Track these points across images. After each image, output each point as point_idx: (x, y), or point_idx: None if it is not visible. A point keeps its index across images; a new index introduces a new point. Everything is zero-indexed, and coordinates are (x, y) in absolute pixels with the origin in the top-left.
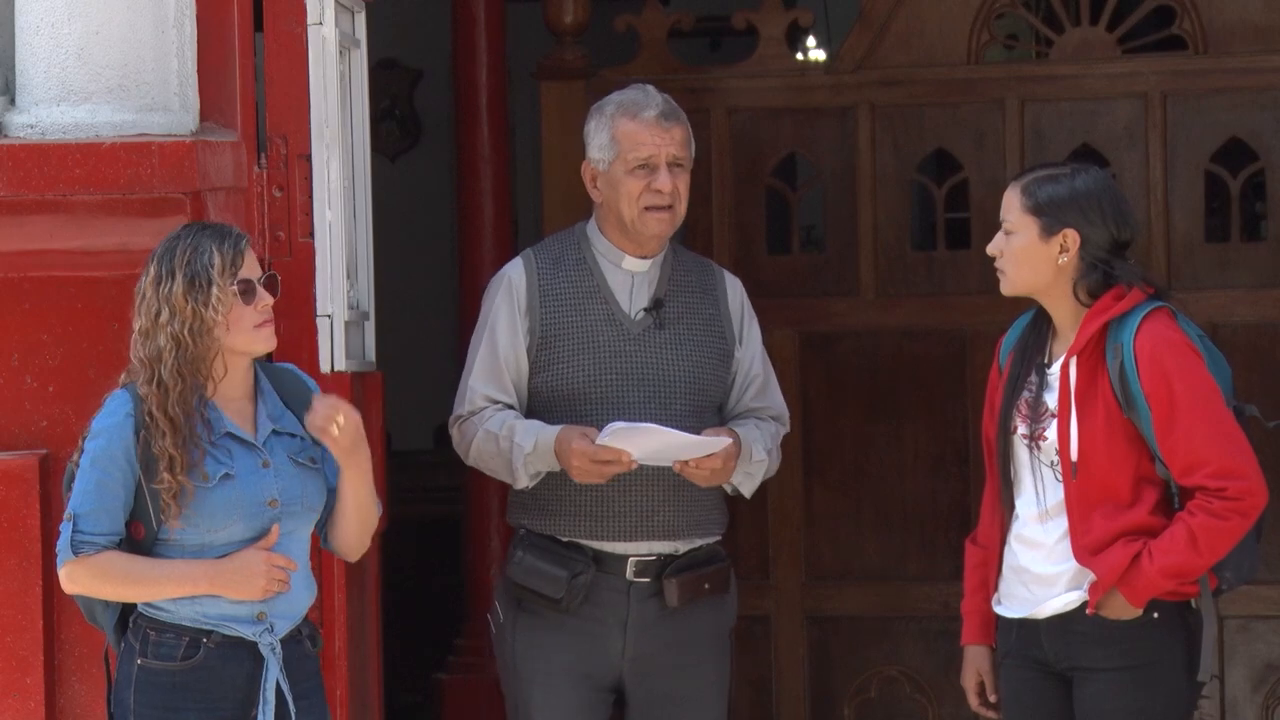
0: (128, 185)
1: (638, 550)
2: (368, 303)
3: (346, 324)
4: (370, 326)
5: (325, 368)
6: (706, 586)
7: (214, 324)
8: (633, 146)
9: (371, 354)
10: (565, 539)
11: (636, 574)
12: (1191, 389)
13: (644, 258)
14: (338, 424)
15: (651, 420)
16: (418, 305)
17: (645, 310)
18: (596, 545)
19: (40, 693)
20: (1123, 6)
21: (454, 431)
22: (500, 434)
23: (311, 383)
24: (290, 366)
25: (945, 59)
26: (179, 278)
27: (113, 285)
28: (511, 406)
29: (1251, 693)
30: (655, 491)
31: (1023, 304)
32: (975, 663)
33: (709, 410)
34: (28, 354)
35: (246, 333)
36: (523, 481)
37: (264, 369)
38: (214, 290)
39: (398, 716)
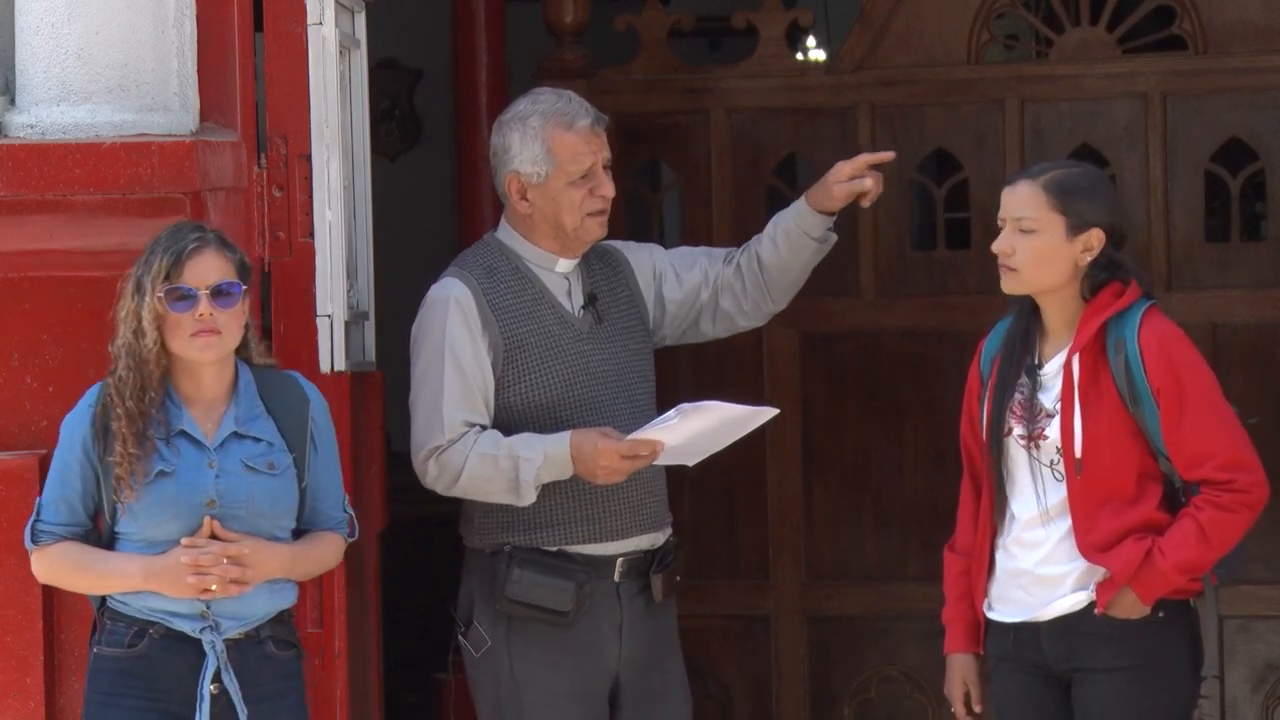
0: (128, 185)
1: (625, 548)
2: (368, 303)
3: (346, 324)
4: (370, 326)
5: (325, 368)
6: (678, 579)
7: (149, 329)
8: (573, 159)
9: (371, 354)
10: (553, 549)
11: (624, 574)
12: (1199, 382)
13: (571, 258)
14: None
15: (621, 413)
16: (418, 305)
17: (583, 308)
18: (588, 550)
19: (40, 693)
20: (1123, 6)
21: (431, 464)
22: (498, 454)
23: (312, 391)
24: (291, 374)
25: (945, 59)
26: (131, 279)
27: (113, 285)
28: (486, 427)
29: (1251, 693)
30: (639, 484)
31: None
32: (962, 671)
33: (652, 395)
34: (28, 354)
35: (181, 341)
36: (529, 498)
37: (257, 373)
38: (147, 298)
39: (398, 716)
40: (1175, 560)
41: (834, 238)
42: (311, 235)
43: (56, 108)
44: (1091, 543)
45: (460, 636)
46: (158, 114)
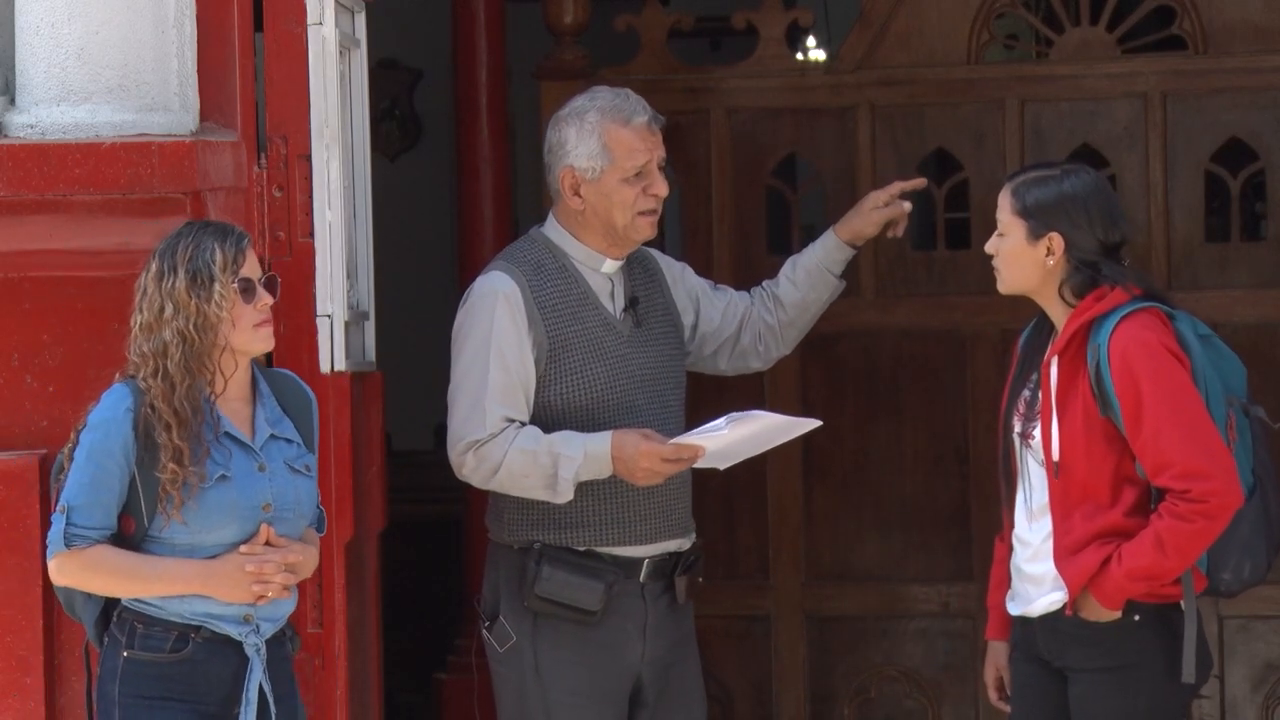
0: (128, 185)
1: (653, 551)
2: (368, 303)
3: (346, 324)
4: (370, 326)
5: (325, 368)
6: (700, 580)
7: (218, 320)
8: (628, 155)
9: (371, 354)
10: (582, 548)
11: (649, 575)
12: (1159, 390)
13: (618, 259)
14: None
15: (655, 417)
16: (418, 305)
17: (625, 311)
18: (617, 551)
19: (40, 693)
20: (1123, 6)
21: (469, 457)
22: (538, 450)
23: (309, 391)
24: (289, 373)
25: (945, 59)
26: (181, 274)
27: (113, 285)
28: (525, 423)
29: (1251, 693)
30: (669, 489)
31: (1023, 304)
32: (994, 658)
33: (683, 401)
34: (28, 354)
35: (246, 331)
36: (566, 495)
37: (263, 373)
38: (216, 287)
39: (398, 716)
40: (1129, 568)
41: (844, 282)
42: (311, 235)
43: (56, 108)
44: (1064, 546)
45: (485, 631)
46: (158, 114)
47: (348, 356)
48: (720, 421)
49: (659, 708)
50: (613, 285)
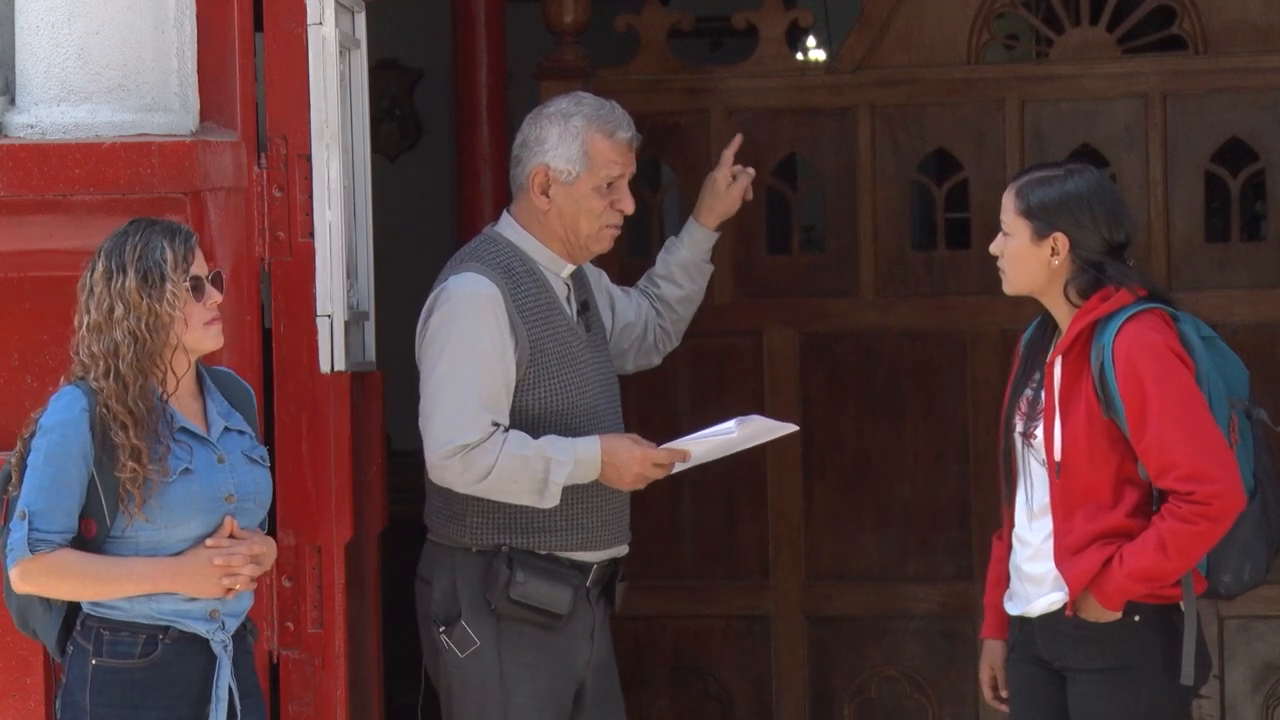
0: (128, 185)
1: (602, 557)
2: (368, 303)
3: (346, 324)
4: (370, 326)
5: (325, 368)
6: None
7: (170, 319)
8: (605, 165)
9: (371, 354)
10: (544, 552)
11: (594, 580)
12: (1164, 392)
13: (575, 264)
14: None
15: (614, 421)
16: (418, 305)
17: (579, 315)
18: (575, 556)
19: (40, 693)
20: (1123, 6)
21: (455, 461)
22: (529, 454)
23: (247, 385)
24: (227, 369)
25: (945, 59)
26: (131, 273)
27: None
28: (508, 427)
29: (1251, 693)
30: (622, 496)
31: (1023, 304)
32: (989, 657)
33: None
34: (28, 354)
35: (197, 330)
36: (553, 500)
37: (205, 371)
38: (168, 286)
39: (398, 716)
40: (1131, 568)
41: (713, 265)
42: (311, 235)
43: (56, 108)
44: (1065, 546)
45: (440, 635)
46: (158, 114)
47: (348, 356)
48: (730, 423)
49: (595, 712)
50: (569, 290)
